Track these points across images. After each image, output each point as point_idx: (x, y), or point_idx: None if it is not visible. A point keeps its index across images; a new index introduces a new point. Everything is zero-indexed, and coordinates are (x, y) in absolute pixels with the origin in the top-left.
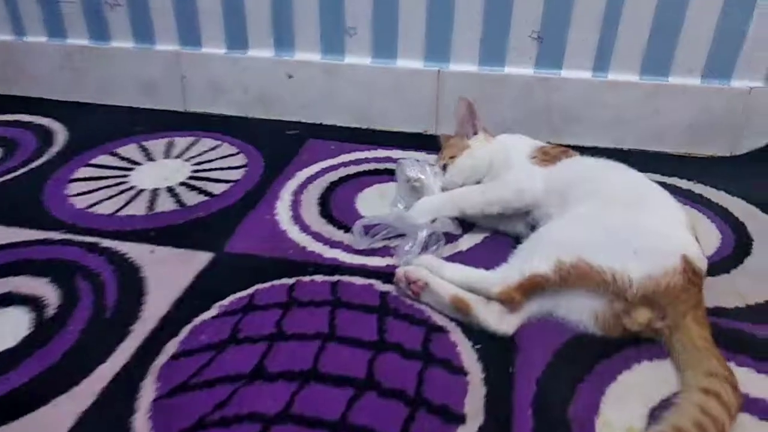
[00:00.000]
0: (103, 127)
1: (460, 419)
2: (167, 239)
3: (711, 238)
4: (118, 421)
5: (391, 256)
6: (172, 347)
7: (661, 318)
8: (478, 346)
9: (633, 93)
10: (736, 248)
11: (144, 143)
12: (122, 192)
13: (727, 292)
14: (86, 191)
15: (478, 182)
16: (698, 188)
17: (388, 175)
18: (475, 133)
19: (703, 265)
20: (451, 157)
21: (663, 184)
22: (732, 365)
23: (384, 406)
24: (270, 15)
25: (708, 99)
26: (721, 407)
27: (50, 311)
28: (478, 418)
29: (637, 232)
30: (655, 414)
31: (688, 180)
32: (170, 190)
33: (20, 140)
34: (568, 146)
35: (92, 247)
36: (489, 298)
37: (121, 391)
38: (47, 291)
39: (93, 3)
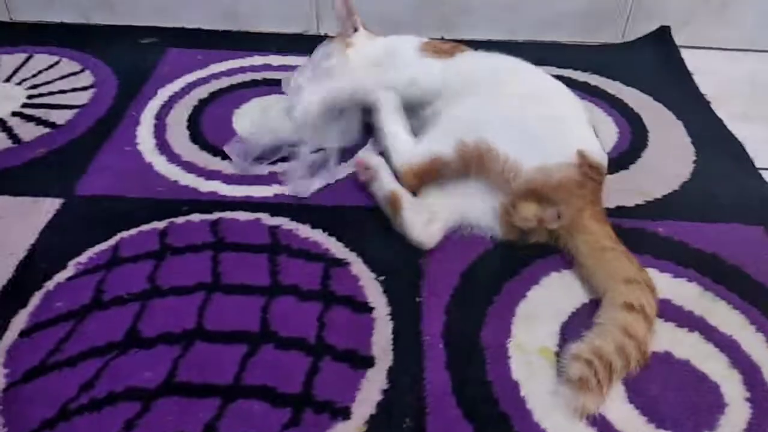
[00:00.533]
0: None
1: (368, 362)
2: (3, 186)
3: (609, 132)
4: None
5: (279, 183)
6: (21, 321)
7: (556, 217)
8: (381, 278)
9: None
10: (633, 142)
11: None
12: None
13: (628, 189)
14: None
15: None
16: (593, 79)
17: (268, 85)
18: (356, 30)
19: (602, 160)
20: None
21: (559, 77)
22: None
23: (283, 359)
24: None
25: None
26: (644, 324)
27: None
28: (387, 359)
29: (535, 122)
30: (566, 330)
31: (583, 71)
32: (1, 122)
33: None
34: (461, 41)
35: None
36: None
37: None
38: None
39: None
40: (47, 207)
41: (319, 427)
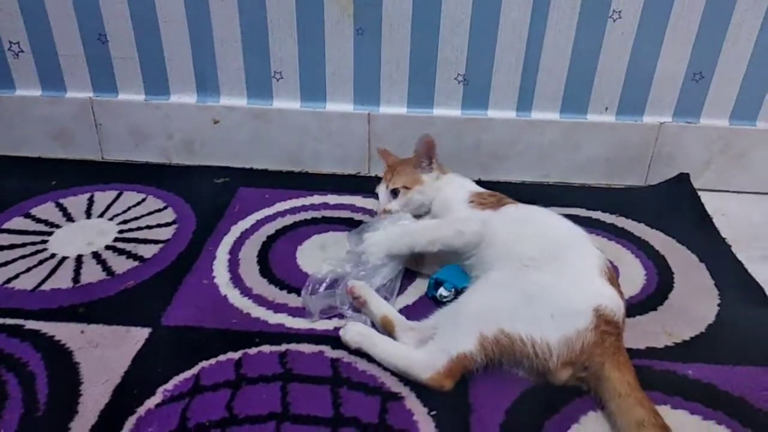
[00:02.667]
0: (14, 183)
1: None
2: (98, 315)
3: (637, 273)
4: None
5: (340, 317)
6: None
7: (584, 370)
8: (433, 413)
9: (554, 130)
10: (659, 284)
11: (62, 201)
12: (42, 261)
13: (656, 331)
14: (1, 263)
15: (418, 216)
16: (620, 221)
17: (325, 224)
18: (431, 171)
19: (618, 311)
20: (405, 187)
21: (587, 219)
22: (668, 408)
23: None
24: (191, 60)
25: (623, 134)
26: None
27: None
28: None
29: (551, 295)
30: None
31: (611, 213)
32: (96, 255)
33: None
34: (498, 183)
35: (15, 331)
36: (419, 382)
37: None
38: None
39: None
40: (137, 336)
41: None
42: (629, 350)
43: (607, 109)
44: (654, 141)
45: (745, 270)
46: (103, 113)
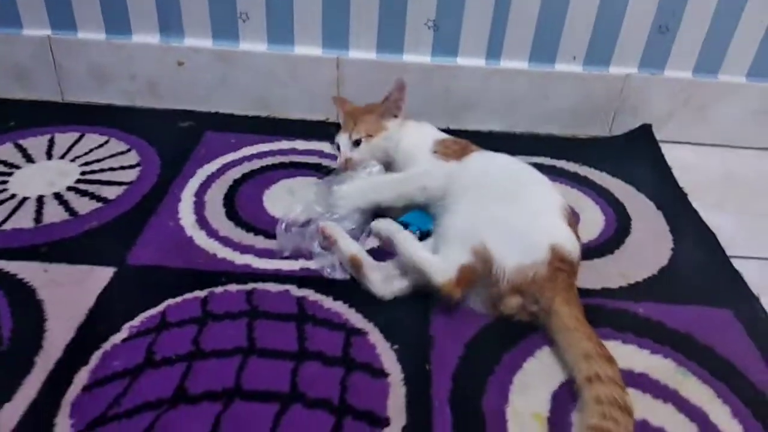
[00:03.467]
0: None
1: (384, 422)
2: (61, 255)
3: (596, 219)
4: None
5: (306, 258)
6: (83, 377)
7: (534, 303)
8: (395, 346)
9: (523, 79)
10: (617, 229)
11: (21, 142)
12: (2, 202)
13: (612, 272)
14: None
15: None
16: (583, 170)
17: (293, 168)
18: (396, 116)
19: (573, 251)
20: (369, 135)
21: (552, 167)
22: (618, 342)
23: (311, 417)
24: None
25: (590, 84)
26: (606, 386)
27: None
28: (401, 419)
29: (514, 225)
30: (556, 398)
31: (574, 162)
32: (58, 196)
33: None
34: (466, 131)
35: None
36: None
37: (33, 426)
38: None
39: None
40: (102, 275)
41: None
42: (585, 290)
43: (575, 58)
44: (619, 92)
45: (699, 217)
46: (62, 52)
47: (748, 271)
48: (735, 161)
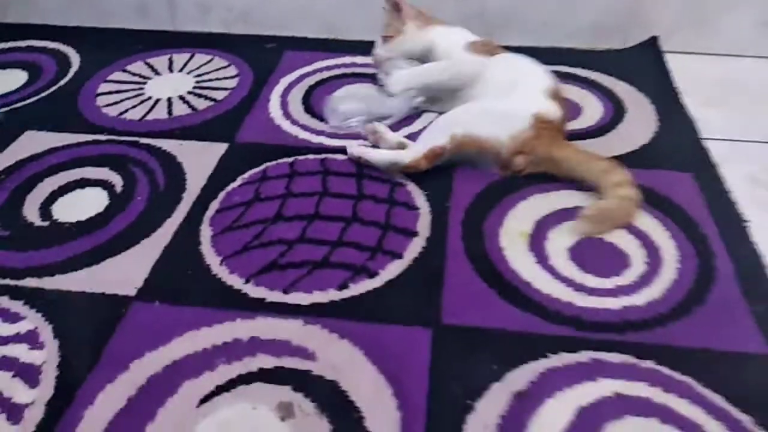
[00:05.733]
0: (108, 47)
1: (415, 234)
2: (190, 135)
3: (596, 111)
4: (191, 248)
5: (365, 139)
6: (215, 205)
7: (535, 156)
8: (426, 192)
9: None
10: (612, 118)
11: (148, 60)
12: (143, 101)
13: (601, 148)
14: (113, 102)
15: (410, 59)
16: (593, 75)
17: (353, 77)
18: (404, 23)
19: (554, 115)
20: (390, 36)
21: (567, 74)
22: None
23: (365, 230)
24: None
25: (606, 2)
26: (628, 187)
27: (118, 189)
28: (426, 233)
29: (503, 108)
30: (539, 223)
31: (588, 69)
32: (181, 98)
33: (41, 63)
34: (498, 45)
35: (134, 144)
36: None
37: (187, 233)
38: (110, 176)
39: None
40: (220, 148)
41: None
42: None
43: None
44: (632, 8)
45: (686, 110)
46: None
47: (716, 149)
48: (735, 68)
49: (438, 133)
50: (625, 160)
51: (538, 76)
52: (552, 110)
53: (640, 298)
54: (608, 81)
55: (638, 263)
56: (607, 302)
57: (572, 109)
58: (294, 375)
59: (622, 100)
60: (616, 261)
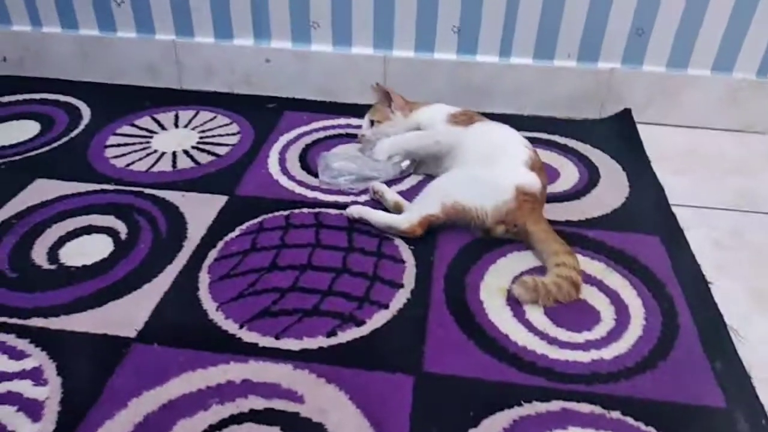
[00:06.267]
0: (118, 102)
1: (401, 286)
2: (192, 187)
3: (572, 176)
4: (189, 294)
5: (356, 195)
6: (213, 254)
7: (513, 226)
8: (412, 247)
9: (529, 72)
10: (587, 184)
11: (155, 115)
12: (149, 154)
13: (576, 211)
14: (121, 154)
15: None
16: (571, 143)
17: (348, 138)
18: (392, 112)
19: (534, 187)
20: (378, 121)
21: (547, 141)
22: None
23: (354, 281)
24: (250, 11)
25: (582, 76)
26: (566, 269)
27: (123, 236)
28: (411, 285)
29: (488, 179)
30: (516, 279)
31: (566, 137)
32: (185, 152)
33: (53, 115)
34: (483, 113)
35: (139, 194)
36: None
37: (187, 279)
38: (116, 223)
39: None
40: (220, 200)
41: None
42: (553, 221)
43: (569, 55)
44: (606, 83)
45: (656, 177)
46: (182, 52)
47: (683, 214)
48: (699, 139)
49: (430, 200)
50: (598, 222)
51: (518, 147)
52: (533, 182)
53: (608, 352)
54: (584, 148)
55: (608, 319)
56: (578, 355)
57: (550, 173)
58: (283, 416)
59: (597, 166)
60: (587, 317)
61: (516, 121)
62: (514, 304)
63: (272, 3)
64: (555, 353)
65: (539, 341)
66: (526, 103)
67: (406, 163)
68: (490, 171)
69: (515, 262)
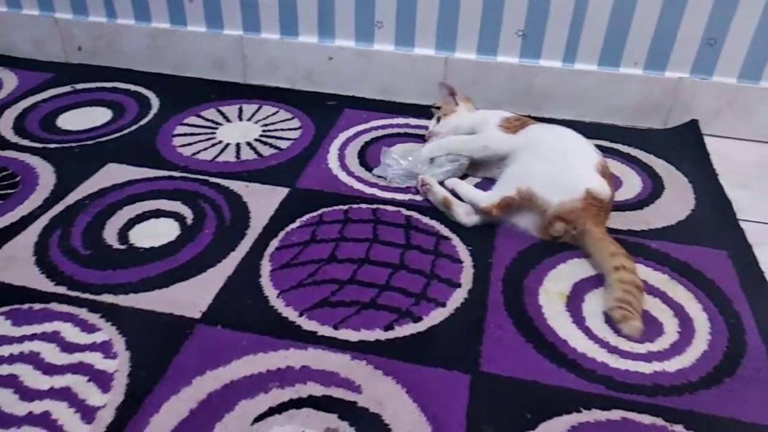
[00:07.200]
0: (185, 94)
1: (458, 285)
2: (255, 178)
3: (635, 185)
4: (251, 280)
5: (413, 193)
6: (275, 243)
7: (573, 228)
8: (470, 248)
9: (592, 79)
10: (651, 194)
11: (220, 108)
12: (214, 145)
13: (638, 220)
14: (188, 143)
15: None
16: (634, 152)
17: (407, 137)
18: (457, 105)
19: (603, 194)
20: (444, 115)
21: (610, 148)
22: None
23: (411, 278)
24: (316, 9)
25: (648, 85)
26: (628, 273)
27: (189, 221)
28: (469, 285)
29: (560, 173)
30: (576, 286)
31: (629, 146)
32: (249, 144)
33: (124, 103)
34: (543, 118)
35: (204, 182)
36: (476, 209)
37: (249, 266)
38: (182, 209)
39: None
40: (281, 192)
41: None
42: (615, 230)
43: (636, 63)
44: (673, 92)
45: (723, 190)
46: (249, 47)
47: (751, 230)
48: None
49: (508, 184)
50: (662, 234)
51: (589, 150)
52: (604, 188)
53: (671, 365)
54: (648, 158)
55: (671, 332)
56: (640, 366)
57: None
58: (341, 404)
59: (661, 177)
60: (650, 328)
61: (576, 128)
62: (574, 310)
63: (339, 2)
64: (616, 362)
65: (599, 349)
66: (588, 110)
67: (460, 164)
68: (564, 168)
69: (575, 268)
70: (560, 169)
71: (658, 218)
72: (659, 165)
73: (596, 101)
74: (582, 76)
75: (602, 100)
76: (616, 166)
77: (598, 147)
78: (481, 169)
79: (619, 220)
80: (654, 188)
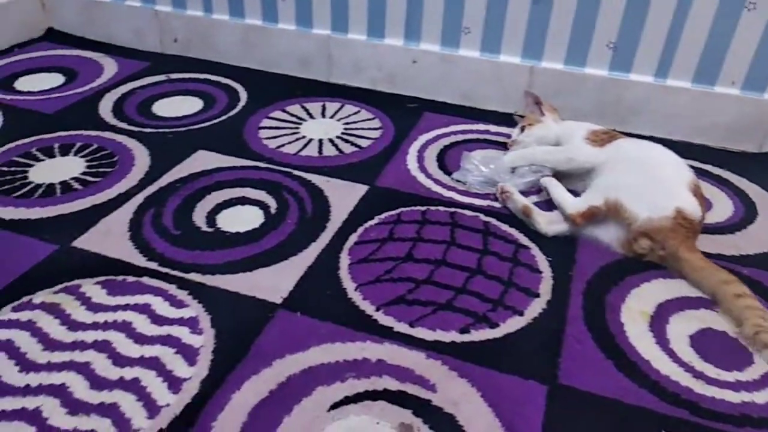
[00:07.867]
0: (272, 89)
1: (537, 295)
2: (336, 174)
3: (726, 208)
4: (331, 271)
5: (493, 200)
6: (354, 238)
7: (661, 248)
8: (550, 258)
9: (685, 96)
10: (743, 219)
11: (305, 104)
12: (298, 139)
13: (729, 245)
14: (273, 136)
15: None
16: (726, 174)
17: (486, 143)
18: (543, 115)
19: (694, 214)
20: (529, 124)
21: (700, 169)
22: None
23: (489, 283)
24: (405, 12)
25: (744, 106)
26: (751, 299)
27: (272, 210)
28: (548, 296)
29: (650, 188)
30: (660, 307)
31: (720, 167)
32: (331, 141)
33: (215, 95)
34: (629, 133)
35: (288, 174)
36: (563, 215)
37: (329, 257)
38: (267, 198)
39: None
40: (361, 189)
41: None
42: (704, 252)
43: (734, 83)
44: None
45: None
46: (335, 47)
47: None
48: None
49: (597, 193)
50: (755, 261)
51: (682, 168)
52: (694, 209)
53: (761, 396)
54: (740, 182)
55: (761, 363)
56: (727, 394)
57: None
58: (416, 401)
59: (754, 202)
60: (739, 356)
61: (665, 146)
62: (658, 330)
63: (427, 7)
64: (701, 388)
65: (684, 373)
66: (678, 128)
67: (542, 176)
68: (656, 184)
69: (660, 288)
70: (652, 184)
71: (749, 244)
72: (753, 190)
73: (687, 119)
74: (674, 93)
75: (694, 118)
76: (707, 188)
77: (689, 166)
78: (563, 181)
79: (709, 243)
80: (746, 213)
